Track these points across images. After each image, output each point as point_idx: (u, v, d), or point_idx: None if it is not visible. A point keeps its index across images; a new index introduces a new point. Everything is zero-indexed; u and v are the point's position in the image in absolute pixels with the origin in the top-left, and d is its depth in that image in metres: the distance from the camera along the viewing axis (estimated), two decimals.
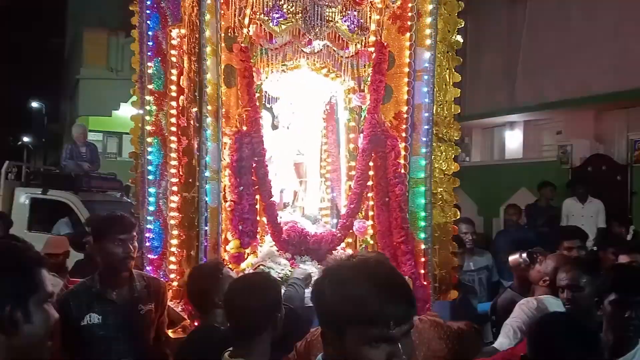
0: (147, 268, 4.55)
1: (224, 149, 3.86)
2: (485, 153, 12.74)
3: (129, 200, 8.93)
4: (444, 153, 4.22)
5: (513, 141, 12.13)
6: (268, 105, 4.63)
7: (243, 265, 3.85)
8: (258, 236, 4.01)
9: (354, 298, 1.39)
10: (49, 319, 1.46)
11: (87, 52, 17.70)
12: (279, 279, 3.72)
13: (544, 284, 3.70)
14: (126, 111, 16.93)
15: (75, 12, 19.82)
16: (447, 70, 4.19)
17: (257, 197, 3.98)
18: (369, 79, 4.23)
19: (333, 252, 4.16)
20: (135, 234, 3.41)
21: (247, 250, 3.90)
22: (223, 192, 3.85)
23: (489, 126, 12.42)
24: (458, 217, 4.28)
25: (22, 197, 8.21)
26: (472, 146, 12.40)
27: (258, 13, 3.93)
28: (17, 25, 15.78)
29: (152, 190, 4.68)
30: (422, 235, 4.12)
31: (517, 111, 10.89)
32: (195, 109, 3.73)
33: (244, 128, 3.94)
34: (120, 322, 3.27)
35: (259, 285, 2.54)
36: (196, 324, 3.44)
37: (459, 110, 4.23)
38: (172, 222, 4.39)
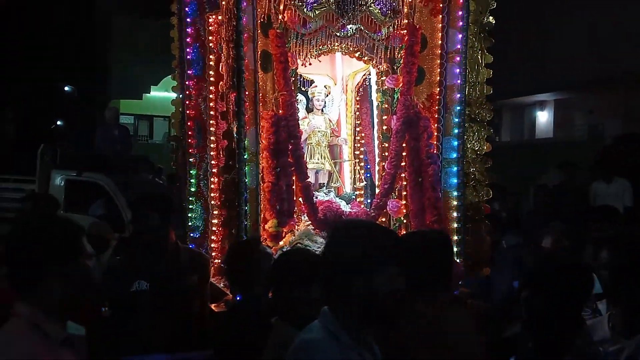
0: (190, 247, 4.76)
1: (262, 132, 3.99)
2: (515, 132, 12.67)
3: (161, 182, 9.16)
4: (476, 133, 4.29)
5: (543, 121, 12.01)
6: (303, 89, 4.75)
7: (281, 243, 4.01)
8: (295, 215, 4.16)
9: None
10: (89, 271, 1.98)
11: (118, 36, 17.96)
12: None
13: None
14: (157, 94, 17.18)
15: None
16: (479, 52, 4.24)
17: (294, 178, 4.12)
18: (401, 61, 4.30)
19: None
20: (169, 210, 3.60)
21: (285, 229, 4.04)
22: (261, 174, 4.00)
23: (519, 105, 12.32)
24: (491, 196, 4.36)
25: (58, 179, 8.44)
26: (502, 126, 12.34)
27: None
28: (47, 9, 16.05)
29: (193, 172, 4.87)
30: (455, 215, 4.22)
31: (547, 90, 10.77)
32: (234, 94, 3.86)
33: (280, 112, 4.07)
34: (167, 291, 3.46)
35: None
36: (238, 299, 3.61)
37: (491, 91, 4.29)
38: (213, 202, 4.59)
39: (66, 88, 17.52)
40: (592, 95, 10.57)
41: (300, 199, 4.18)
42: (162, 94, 16.54)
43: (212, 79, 4.56)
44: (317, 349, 1.77)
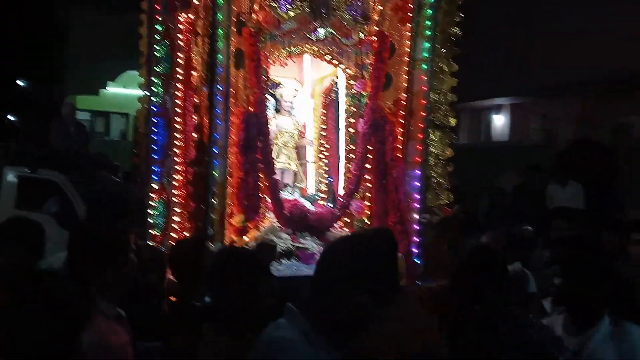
0: (150, 243, 4.71)
1: (232, 128, 4.03)
2: (472, 135, 13.06)
3: (117, 179, 8.99)
4: (439, 139, 4.45)
5: (499, 124, 12.41)
6: (272, 91, 4.82)
7: (246, 238, 4.04)
8: (261, 212, 4.20)
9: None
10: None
11: (75, 30, 17.53)
12: (281, 252, 3.93)
13: None
14: (114, 90, 16.78)
15: None
16: (445, 60, 4.42)
17: (261, 175, 4.16)
18: (370, 66, 4.43)
19: (331, 229, 4.37)
20: (125, 208, 3.58)
21: (250, 224, 4.08)
22: (229, 169, 4.04)
23: (477, 109, 12.70)
24: (452, 200, 4.51)
25: (10, 176, 8.18)
26: (459, 128, 12.67)
27: None
28: (3, 3, 15.61)
29: (156, 169, 4.84)
30: (416, 217, 4.35)
31: (504, 94, 11.07)
32: (206, 89, 3.90)
33: (251, 109, 4.12)
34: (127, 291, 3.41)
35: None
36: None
37: (456, 99, 4.46)
38: (175, 200, 4.57)
39: (21, 83, 16.99)
40: (547, 101, 10.91)
41: (267, 196, 4.22)
42: (120, 90, 16.17)
43: (180, 76, 4.57)
44: (293, 347, 1.67)
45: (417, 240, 4.31)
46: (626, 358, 2.52)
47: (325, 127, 5.05)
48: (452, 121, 4.46)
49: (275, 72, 4.76)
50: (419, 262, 4.26)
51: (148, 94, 5.01)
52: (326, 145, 5.09)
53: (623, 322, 2.66)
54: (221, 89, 3.85)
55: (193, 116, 4.12)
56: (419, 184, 4.35)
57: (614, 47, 8.64)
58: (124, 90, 15.22)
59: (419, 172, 4.35)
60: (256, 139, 4.07)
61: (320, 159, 5.09)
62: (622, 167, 8.90)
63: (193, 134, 4.09)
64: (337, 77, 4.86)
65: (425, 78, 4.31)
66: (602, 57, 8.85)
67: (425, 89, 4.32)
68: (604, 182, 8.33)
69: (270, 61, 4.36)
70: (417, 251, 4.30)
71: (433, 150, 4.41)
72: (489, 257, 2.75)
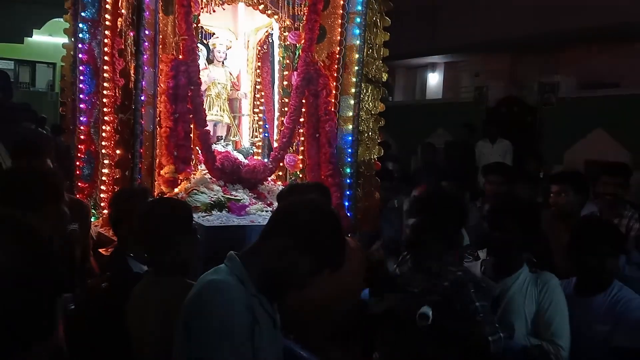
0: (78, 195, 4.57)
1: (160, 75, 3.91)
2: (407, 93, 13.23)
3: (43, 131, 8.64)
4: (371, 93, 4.46)
5: (434, 82, 12.63)
6: (205, 41, 4.69)
7: (176, 190, 3.97)
8: (192, 163, 4.13)
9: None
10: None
11: None
12: (211, 203, 3.88)
13: None
14: (40, 39, 15.89)
15: None
16: (378, 14, 4.40)
17: (192, 125, 4.08)
18: (304, 18, 4.37)
19: (264, 182, 4.36)
20: (48, 155, 3.46)
21: (181, 176, 4.01)
22: (158, 118, 3.93)
23: (412, 67, 12.83)
24: (382, 154, 4.57)
25: None
26: (395, 86, 12.81)
27: None
28: None
29: (83, 119, 4.67)
30: (348, 170, 4.39)
31: (436, 52, 11.21)
32: (132, 32, 3.75)
33: (180, 57, 4.00)
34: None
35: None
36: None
37: (387, 54, 4.47)
38: (104, 151, 4.44)
39: None
40: (479, 59, 11.08)
41: (198, 147, 4.15)
42: (46, 39, 15.29)
43: (107, 22, 4.38)
44: (229, 290, 1.73)
45: (349, 193, 4.36)
46: (543, 303, 2.71)
47: (260, 79, 4.99)
48: (384, 76, 4.48)
49: (209, 22, 4.64)
50: (349, 215, 4.31)
51: (74, 40, 4.80)
52: (261, 100, 5.04)
53: (540, 271, 2.85)
54: (148, 33, 3.71)
55: (119, 59, 3.96)
56: (351, 138, 4.38)
57: (544, 6, 8.80)
58: (51, 39, 14.39)
59: (352, 126, 4.37)
60: (186, 87, 3.96)
61: (256, 112, 5.04)
62: (547, 125, 9.23)
63: (121, 80, 3.94)
64: (272, 29, 4.78)
65: (359, 32, 4.30)
66: (532, 15, 9.00)
67: (359, 43, 4.31)
68: (528, 139, 8.64)
69: (201, 8, 4.22)
70: (348, 204, 4.35)
71: (365, 104, 4.44)
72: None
